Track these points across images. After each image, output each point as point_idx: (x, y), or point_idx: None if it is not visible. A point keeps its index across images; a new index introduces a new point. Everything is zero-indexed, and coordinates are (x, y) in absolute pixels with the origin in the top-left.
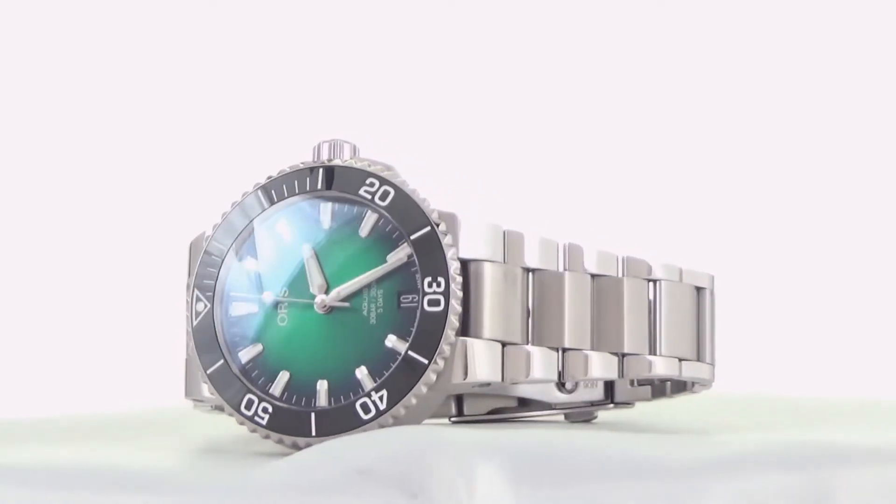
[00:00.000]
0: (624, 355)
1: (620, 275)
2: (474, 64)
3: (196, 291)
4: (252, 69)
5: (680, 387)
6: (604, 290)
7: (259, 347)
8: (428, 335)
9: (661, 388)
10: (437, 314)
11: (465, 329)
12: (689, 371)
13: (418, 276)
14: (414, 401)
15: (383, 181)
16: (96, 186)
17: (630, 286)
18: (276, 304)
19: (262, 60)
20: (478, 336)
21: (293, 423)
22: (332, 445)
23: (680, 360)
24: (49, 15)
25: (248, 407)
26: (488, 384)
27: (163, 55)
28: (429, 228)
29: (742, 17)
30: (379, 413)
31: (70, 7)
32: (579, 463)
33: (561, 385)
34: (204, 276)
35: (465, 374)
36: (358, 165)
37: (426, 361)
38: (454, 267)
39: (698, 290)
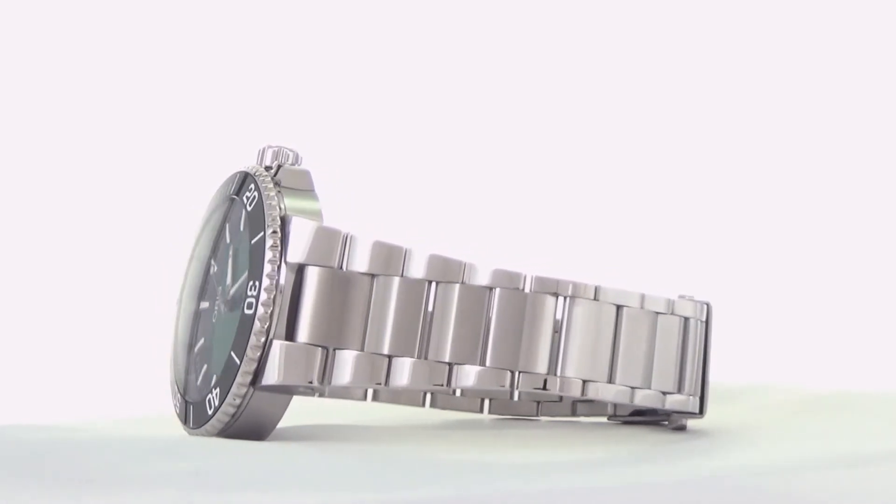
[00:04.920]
0: (451, 364)
1: (487, 283)
2: (443, 79)
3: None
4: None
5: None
6: (440, 297)
7: (202, 341)
8: (242, 337)
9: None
10: (249, 317)
11: (290, 332)
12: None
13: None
14: (237, 400)
15: (256, 187)
16: (111, 188)
17: (463, 293)
18: (215, 302)
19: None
20: (305, 340)
21: (184, 413)
22: None
23: (512, 371)
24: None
25: (174, 396)
26: (310, 387)
27: (163, 54)
28: (261, 234)
29: (721, 40)
30: (215, 409)
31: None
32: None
33: None
34: (184, 275)
35: (277, 375)
36: (252, 171)
37: (238, 362)
38: (269, 271)
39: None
